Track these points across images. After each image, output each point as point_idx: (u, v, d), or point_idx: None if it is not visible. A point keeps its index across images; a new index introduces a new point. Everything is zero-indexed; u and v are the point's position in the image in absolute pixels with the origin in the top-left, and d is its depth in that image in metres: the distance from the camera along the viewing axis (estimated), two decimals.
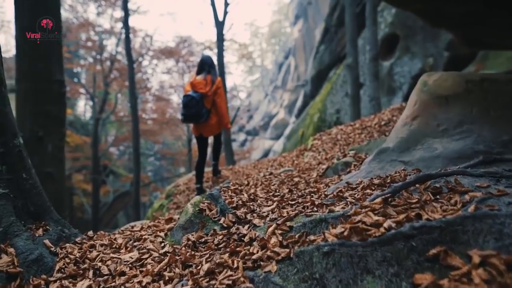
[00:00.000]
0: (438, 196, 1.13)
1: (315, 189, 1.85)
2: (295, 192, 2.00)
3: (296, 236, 1.13)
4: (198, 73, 4.02)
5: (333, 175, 2.46)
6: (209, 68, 3.94)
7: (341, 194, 1.49)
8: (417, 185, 1.25)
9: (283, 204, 1.59)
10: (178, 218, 2.09)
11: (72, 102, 23.56)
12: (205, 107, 3.79)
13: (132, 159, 13.21)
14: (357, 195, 1.42)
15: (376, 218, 0.98)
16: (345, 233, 0.95)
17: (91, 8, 16.62)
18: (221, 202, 1.58)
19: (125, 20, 11.40)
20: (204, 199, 1.66)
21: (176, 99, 22.68)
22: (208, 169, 5.55)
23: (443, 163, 1.59)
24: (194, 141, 20.56)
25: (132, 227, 2.17)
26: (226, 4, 11.34)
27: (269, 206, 1.61)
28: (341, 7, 13.18)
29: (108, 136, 25.62)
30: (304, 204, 1.49)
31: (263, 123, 37.07)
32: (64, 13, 16.78)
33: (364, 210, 1.05)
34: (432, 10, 3.85)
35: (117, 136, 22.42)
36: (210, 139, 4.34)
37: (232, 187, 2.01)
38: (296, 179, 2.58)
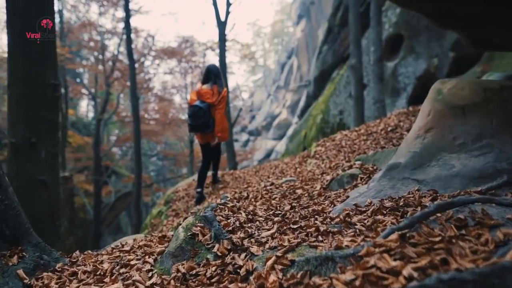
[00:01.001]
0: (463, 231, 0.98)
1: (319, 208, 1.69)
2: (297, 209, 1.84)
3: (299, 276, 0.98)
4: (204, 82, 4.01)
5: (338, 187, 2.31)
6: (215, 77, 3.95)
7: (349, 219, 1.33)
8: (437, 214, 1.10)
9: (284, 227, 1.44)
10: (172, 235, 1.94)
11: (74, 102, 23.56)
12: (212, 117, 3.82)
13: (134, 161, 13.10)
14: (367, 221, 1.26)
15: (393, 263, 0.82)
16: (357, 282, 0.80)
17: (93, 8, 16.51)
18: (215, 225, 1.43)
19: (126, 20, 11.28)
20: (197, 221, 1.51)
21: (178, 99, 22.62)
22: (209, 173, 5.44)
23: (462, 183, 1.43)
24: (196, 141, 20.47)
25: (123, 245, 2.03)
26: (228, 4, 11.20)
27: (269, 229, 1.46)
28: (345, 7, 13.01)
29: (110, 136, 25.60)
30: (308, 230, 1.33)
31: (266, 123, 36.95)
32: (66, 14, 16.71)
33: (378, 250, 0.90)
34: (441, 11, 3.69)
35: (119, 137, 22.37)
36: None
37: (229, 205, 1.86)
38: (298, 191, 2.42)
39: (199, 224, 1.48)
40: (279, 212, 1.79)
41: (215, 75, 3.97)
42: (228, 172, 5.61)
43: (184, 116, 20.41)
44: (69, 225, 13.86)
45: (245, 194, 2.47)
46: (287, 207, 1.93)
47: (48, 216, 3.89)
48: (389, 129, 3.54)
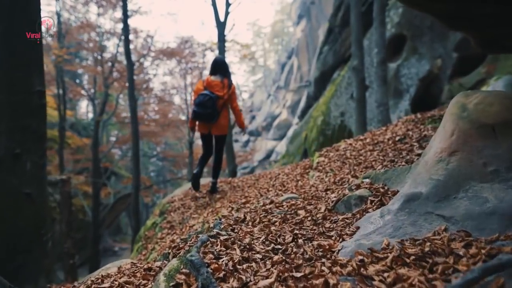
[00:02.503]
0: None
1: (326, 245, 1.46)
2: (300, 241, 1.61)
3: None
4: (212, 73, 4.06)
5: (345, 210, 2.07)
6: (225, 71, 4.05)
7: (364, 270, 1.10)
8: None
9: (286, 274, 1.21)
10: (159, 268, 1.71)
11: (73, 103, 23.38)
12: (218, 109, 3.92)
13: (132, 164, 12.86)
14: (388, 276, 1.03)
15: None
16: None
17: (92, 8, 16.23)
18: (203, 273, 1.19)
19: (124, 21, 11.05)
20: (182, 266, 1.27)
21: (178, 100, 22.45)
22: (208, 180, 5.23)
23: (500, 223, 1.19)
24: (196, 142, 20.27)
25: (103, 280, 1.80)
26: (228, 5, 10.97)
27: (267, 276, 1.23)
28: (346, 7, 12.79)
29: (110, 137, 25.43)
30: (314, 282, 1.10)
31: (266, 124, 36.76)
32: (65, 14, 16.48)
33: None
34: (450, 11, 3.45)
35: (119, 138, 22.19)
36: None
37: (222, 237, 1.62)
38: (301, 213, 2.19)
39: (184, 271, 1.24)
40: (280, 246, 1.56)
41: (224, 69, 4.05)
42: (226, 180, 5.38)
43: (184, 117, 20.20)
44: (67, 229, 13.67)
45: (242, 216, 2.24)
46: (289, 237, 1.70)
47: (34, 231, 3.65)
48: (397, 138, 3.31)
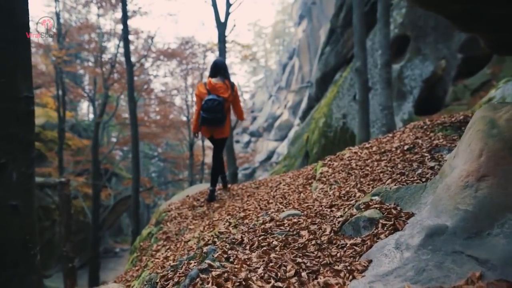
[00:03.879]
0: None
1: (334, 284, 1.25)
2: (304, 275, 1.41)
3: None
4: (212, 76, 4.03)
5: (352, 233, 1.87)
6: (225, 73, 4.03)
7: None
8: None
9: None
10: None
11: (74, 104, 23.23)
12: (225, 112, 3.94)
13: (132, 165, 12.65)
14: None
15: None
16: None
17: (92, 9, 16.06)
18: None
19: (124, 22, 10.85)
20: None
21: (179, 101, 22.29)
22: (205, 186, 5.10)
23: None
24: (196, 144, 20.08)
25: None
26: (228, 5, 10.77)
27: None
28: (348, 7, 12.58)
29: (110, 138, 25.29)
30: None
31: (267, 125, 36.56)
32: (65, 15, 16.32)
33: None
34: (465, 13, 3.25)
35: (119, 139, 22.04)
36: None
37: (215, 272, 1.42)
38: (304, 234, 1.99)
39: None
40: (280, 283, 1.36)
41: (224, 70, 4.04)
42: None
43: (185, 118, 20.02)
44: (66, 232, 13.50)
45: (239, 237, 2.04)
46: (291, 269, 1.50)
47: (21, 245, 3.44)
48: (405, 148, 3.09)
